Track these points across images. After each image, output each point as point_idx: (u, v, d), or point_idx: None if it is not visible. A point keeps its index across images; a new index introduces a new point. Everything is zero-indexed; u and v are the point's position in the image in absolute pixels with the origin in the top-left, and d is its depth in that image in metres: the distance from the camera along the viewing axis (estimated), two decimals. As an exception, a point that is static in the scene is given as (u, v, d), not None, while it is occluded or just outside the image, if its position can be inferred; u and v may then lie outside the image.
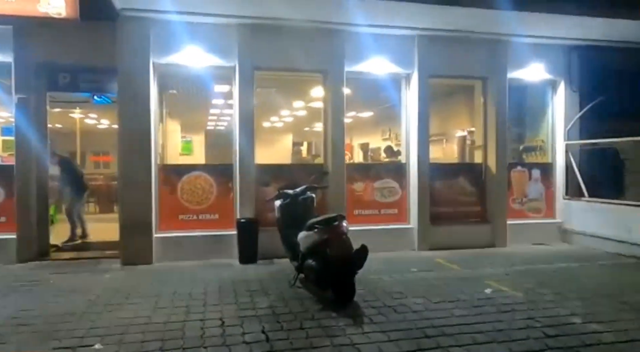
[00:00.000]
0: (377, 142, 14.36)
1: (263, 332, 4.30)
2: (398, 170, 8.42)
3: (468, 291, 5.59)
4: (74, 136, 13.78)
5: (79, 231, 8.73)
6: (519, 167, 8.91)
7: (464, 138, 11.22)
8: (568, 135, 8.80)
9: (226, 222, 7.54)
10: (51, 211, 8.04)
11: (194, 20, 7.21)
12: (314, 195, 6.40)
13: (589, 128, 8.62)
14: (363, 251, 4.98)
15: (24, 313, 4.83)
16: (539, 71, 8.70)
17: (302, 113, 13.97)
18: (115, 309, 4.93)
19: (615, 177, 8.08)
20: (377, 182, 8.27)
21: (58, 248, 8.03)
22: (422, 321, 4.59)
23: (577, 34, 8.31)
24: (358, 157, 14.82)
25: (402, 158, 8.60)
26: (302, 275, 5.70)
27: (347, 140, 9.68)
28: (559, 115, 8.97)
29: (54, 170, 8.29)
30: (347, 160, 8.38)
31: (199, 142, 15.77)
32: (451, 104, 11.30)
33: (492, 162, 8.51)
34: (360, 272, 5.13)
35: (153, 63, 7.25)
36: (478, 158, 8.87)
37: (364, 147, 15.12)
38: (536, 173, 8.96)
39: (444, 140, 12.19)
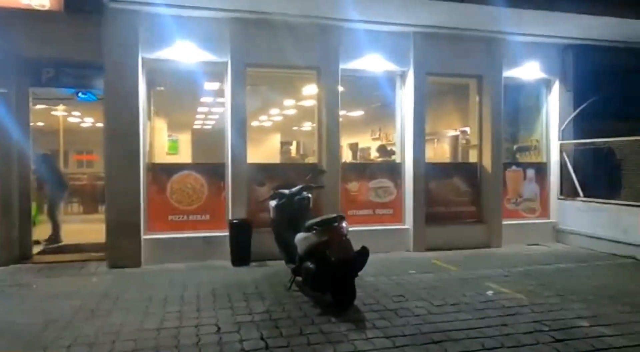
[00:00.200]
0: (366, 141, 14.21)
1: (262, 339, 4.10)
2: (393, 170, 8.28)
3: (469, 293, 5.46)
4: (56, 135, 13.36)
5: (52, 233, 8.38)
6: (513, 167, 8.83)
7: (456, 138, 11.15)
8: (562, 135, 8.76)
9: (218, 223, 7.32)
10: (33, 212, 7.70)
11: (185, 14, 6.98)
12: (310, 195, 6.20)
13: (584, 128, 8.58)
14: (364, 253, 4.81)
15: (4, 320, 4.55)
16: (534, 70, 8.64)
17: (291, 112, 13.77)
18: (103, 316, 4.68)
19: (612, 177, 8.02)
20: (372, 181, 8.12)
21: (41, 250, 7.70)
22: (426, 325, 4.44)
23: (572, 33, 8.26)
24: (347, 157, 14.66)
25: (396, 158, 8.45)
26: (299, 278, 5.51)
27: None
28: (553, 115, 8.92)
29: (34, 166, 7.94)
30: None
31: (185, 141, 15.50)
32: (443, 103, 11.22)
33: (487, 162, 8.41)
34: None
35: (142, 58, 6.99)
36: (473, 158, 8.76)
37: (353, 147, 14.96)
38: (531, 173, 8.90)
39: (435, 140, 12.09)
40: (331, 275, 4.79)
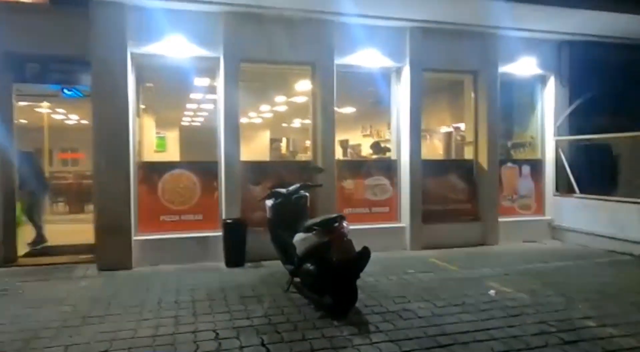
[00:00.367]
0: (357, 138, 14.06)
1: (263, 345, 3.93)
2: (389, 167, 8.14)
3: (471, 293, 5.35)
4: (41, 132, 12.99)
5: (35, 235, 8.08)
6: (509, 164, 8.75)
7: (450, 134, 11.06)
8: (558, 131, 8.70)
9: (211, 223, 7.12)
10: (17, 212, 7.41)
11: (176, 7, 6.73)
12: (307, 194, 6.02)
13: (579, 124, 8.53)
14: (365, 254, 4.62)
15: (-10, 329, 4.32)
16: (529, 66, 8.55)
17: (282, 109, 13.56)
18: (95, 322, 4.46)
19: (609, 173, 7.99)
20: (368, 179, 7.98)
21: (27, 252, 7.43)
22: (431, 327, 4.31)
23: (567, 29, 8.18)
24: (337, 154, 14.50)
25: (392, 155, 8.32)
26: (297, 279, 5.36)
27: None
28: (548, 111, 8.85)
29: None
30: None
31: (173, 138, 15.23)
32: (436, 100, 11.09)
33: (483, 159, 8.32)
34: (357, 274, 4.81)
35: (130, 53, 6.74)
36: (469, 154, 8.66)
37: (344, 144, 14.82)
38: (526, 169, 8.83)
39: (427, 136, 11.98)
40: (332, 277, 4.63)
